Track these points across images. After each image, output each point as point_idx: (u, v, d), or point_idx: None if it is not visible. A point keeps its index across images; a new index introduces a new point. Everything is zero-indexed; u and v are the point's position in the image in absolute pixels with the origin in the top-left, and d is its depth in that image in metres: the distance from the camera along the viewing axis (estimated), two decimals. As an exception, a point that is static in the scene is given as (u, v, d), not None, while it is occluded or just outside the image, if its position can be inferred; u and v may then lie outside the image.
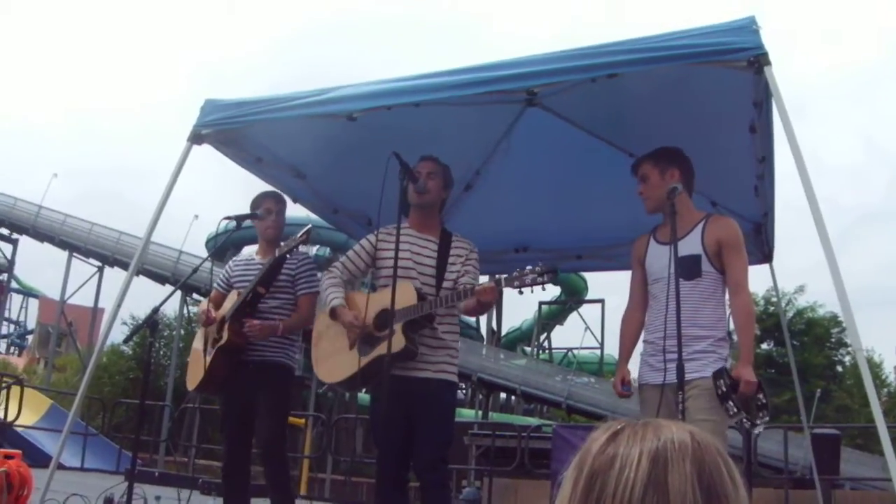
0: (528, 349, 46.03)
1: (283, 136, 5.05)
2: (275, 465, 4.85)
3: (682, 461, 0.96)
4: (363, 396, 35.28)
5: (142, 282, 35.95)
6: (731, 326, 4.25)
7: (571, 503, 1.00)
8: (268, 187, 5.31)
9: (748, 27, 3.76)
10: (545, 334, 47.46)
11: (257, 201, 5.06)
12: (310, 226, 4.76)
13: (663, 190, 4.10)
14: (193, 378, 4.98)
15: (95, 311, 40.60)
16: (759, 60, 3.69)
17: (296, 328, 4.98)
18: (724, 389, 3.86)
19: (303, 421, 17.62)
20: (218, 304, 5.15)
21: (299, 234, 4.67)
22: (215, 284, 5.27)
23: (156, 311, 4.92)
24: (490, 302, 4.24)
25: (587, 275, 41.70)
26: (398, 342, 4.14)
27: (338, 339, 4.45)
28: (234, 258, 5.28)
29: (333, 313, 4.46)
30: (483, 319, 41.09)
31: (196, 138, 4.82)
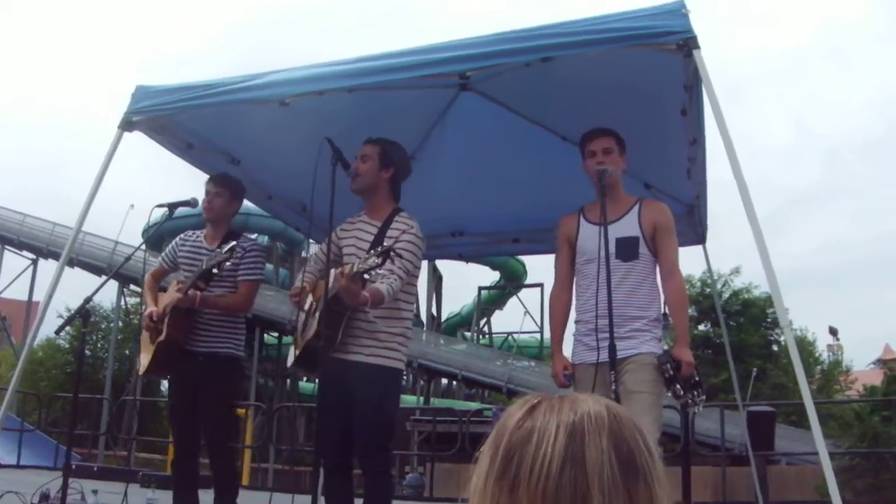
0: (468, 334, 46.23)
1: (216, 122, 4.99)
2: (222, 460, 4.84)
3: (599, 435, 0.97)
4: (304, 385, 35.28)
5: (77, 273, 35.34)
6: (665, 310, 4.31)
7: (489, 479, 1.00)
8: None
9: (677, 11, 3.80)
10: (485, 319, 47.69)
11: (205, 185, 5.02)
12: (233, 244, 4.67)
13: (620, 169, 4.17)
14: (141, 362, 4.97)
15: (30, 305, 39.71)
16: (688, 44, 3.74)
17: (229, 310, 4.92)
18: (672, 373, 3.93)
19: (244, 411, 17.50)
20: (159, 278, 5.17)
21: (225, 250, 4.58)
22: (160, 258, 5.23)
23: (88, 300, 4.83)
24: (344, 293, 4.01)
25: (526, 259, 42.03)
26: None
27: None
28: (183, 235, 5.19)
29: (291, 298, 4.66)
30: (423, 305, 41.17)
31: (127, 125, 4.72)
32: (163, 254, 5.22)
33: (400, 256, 4.14)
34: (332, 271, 4.28)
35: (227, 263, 4.63)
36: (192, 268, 4.91)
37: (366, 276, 4.01)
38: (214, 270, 4.65)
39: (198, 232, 5.14)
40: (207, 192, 4.97)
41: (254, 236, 5.00)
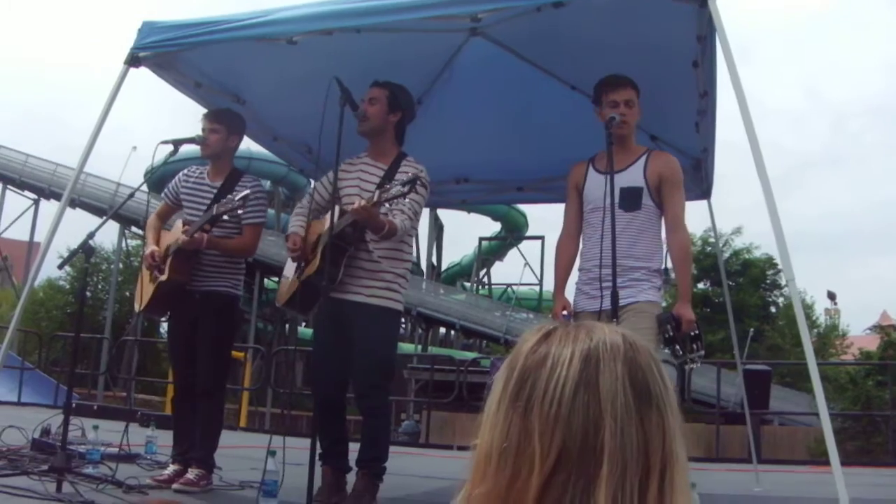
0: (467, 284, 46.32)
1: (223, 60, 4.94)
2: (210, 399, 4.83)
3: (614, 361, 0.96)
4: (304, 330, 35.45)
5: (79, 215, 35.28)
6: (667, 264, 4.30)
7: (501, 403, 1.00)
8: None
9: (693, -40, 3.75)
10: (485, 270, 47.75)
11: (200, 122, 4.97)
12: (247, 192, 4.65)
13: (635, 120, 4.16)
14: (139, 299, 4.94)
15: (31, 245, 39.72)
16: (703, -7, 3.69)
17: (233, 252, 4.91)
18: (671, 333, 3.94)
19: (242, 354, 17.59)
20: (164, 217, 5.15)
21: (238, 198, 4.56)
22: (163, 195, 5.18)
23: (91, 235, 4.79)
24: (363, 220, 4.09)
25: (528, 211, 42.11)
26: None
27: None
28: (186, 171, 5.13)
29: (286, 240, 4.61)
30: (423, 254, 41.25)
31: (133, 61, 4.66)
32: (165, 190, 5.16)
33: (415, 193, 4.13)
34: (336, 209, 4.28)
35: (224, 211, 4.63)
36: (194, 204, 4.89)
37: (384, 206, 4.05)
38: (225, 217, 4.64)
39: (200, 168, 5.09)
40: (203, 130, 4.92)
41: (261, 181, 4.93)
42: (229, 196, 4.67)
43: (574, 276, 4.39)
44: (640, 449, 0.94)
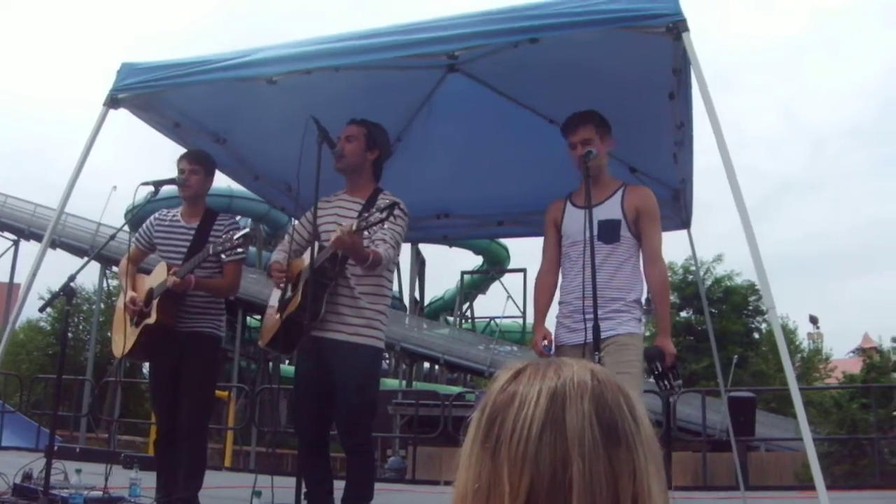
0: (450, 318, 46.28)
1: (202, 100, 4.95)
2: (193, 441, 4.79)
3: (581, 399, 0.97)
4: (286, 368, 35.27)
5: (60, 255, 35.08)
6: (647, 294, 4.32)
7: (474, 444, 1.00)
8: None
9: (667, -7, 3.79)
10: (468, 303, 47.77)
11: (177, 162, 4.96)
12: (248, 230, 4.70)
13: (604, 156, 4.14)
14: (120, 344, 4.88)
15: (11, 287, 39.35)
16: (677, 27, 3.73)
17: (218, 292, 4.93)
18: (661, 369, 3.96)
19: (226, 393, 17.47)
20: (136, 261, 5.09)
21: (237, 237, 4.59)
22: (134, 239, 5.15)
23: (72, 278, 4.79)
24: (347, 250, 4.06)
25: (509, 245, 42.23)
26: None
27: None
28: (157, 214, 5.12)
29: (267, 270, 4.65)
30: (406, 289, 41.23)
31: (112, 102, 4.67)
32: (137, 235, 5.14)
33: (394, 221, 4.14)
34: (316, 243, 4.28)
35: (213, 231, 4.65)
36: (170, 247, 4.89)
37: (365, 234, 4.06)
38: (223, 257, 4.65)
39: (173, 210, 5.09)
40: (182, 171, 4.90)
41: (237, 218, 4.93)
42: (225, 235, 4.70)
43: (554, 309, 4.40)
44: (609, 486, 0.94)
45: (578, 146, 4.20)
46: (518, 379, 1.02)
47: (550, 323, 4.39)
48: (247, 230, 4.66)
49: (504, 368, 1.07)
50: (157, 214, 5.13)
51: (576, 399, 0.97)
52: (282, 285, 4.49)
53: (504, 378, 1.04)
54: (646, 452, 0.98)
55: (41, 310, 6.32)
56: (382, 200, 4.35)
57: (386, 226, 4.12)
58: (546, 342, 4.31)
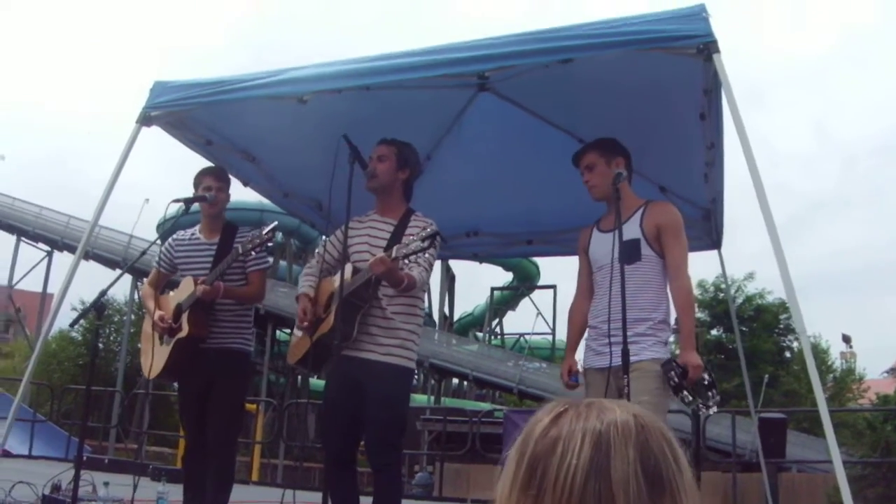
0: (480, 335, 46.24)
1: (234, 118, 4.98)
2: (221, 457, 4.80)
3: (625, 446, 0.95)
4: (316, 382, 35.41)
5: (92, 267, 35.50)
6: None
7: (514, 488, 0.98)
8: None
9: (698, 14, 3.79)
10: (497, 320, 47.71)
11: (197, 179, 4.98)
12: (275, 223, 4.73)
13: (609, 178, 4.13)
14: (151, 365, 4.88)
15: (44, 297, 39.85)
16: (708, 48, 3.71)
17: (245, 299, 4.95)
18: (677, 381, 3.90)
19: (255, 407, 17.53)
20: (159, 285, 5.12)
21: (265, 232, 4.62)
22: (155, 263, 5.19)
23: (103, 294, 4.83)
24: (383, 275, 4.08)
25: (539, 261, 42.08)
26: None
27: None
28: (175, 236, 5.15)
29: (296, 299, 4.58)
30: (435, 305, 41.24)
31: (145, 120, 4.73)
32: (157, 259, 5.17)
33: (434, 247, 4.15)
34: (347, 267, 4.30)
35: (236, 241, 4.67)
36: (195, 265, 4.92)
37: (404, 262, 4.07)
38: (253, 253, 4.67)
39: (190, 230, 5.12)
40: (209, 188, 4.93)
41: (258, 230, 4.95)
42: (253, 232, 4.74)
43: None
44: None
45: (584, 172, 4.30)
46: (559, 422, 1.00)
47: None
48: (275, 223, 4.68)
49: (544, 409, 1.05)
50: (175, 236, 5.16)
51: (620, 446, 0.95)
52: (305, 325, 4.49)
53: (545, 421, 1.02)
54: (688, 499, 0.96)
55: (72, 325, 6.43)
56: (416, 224, 4.36)
57: (426, 253, 4.14)
58: (572, 373, 4.31)
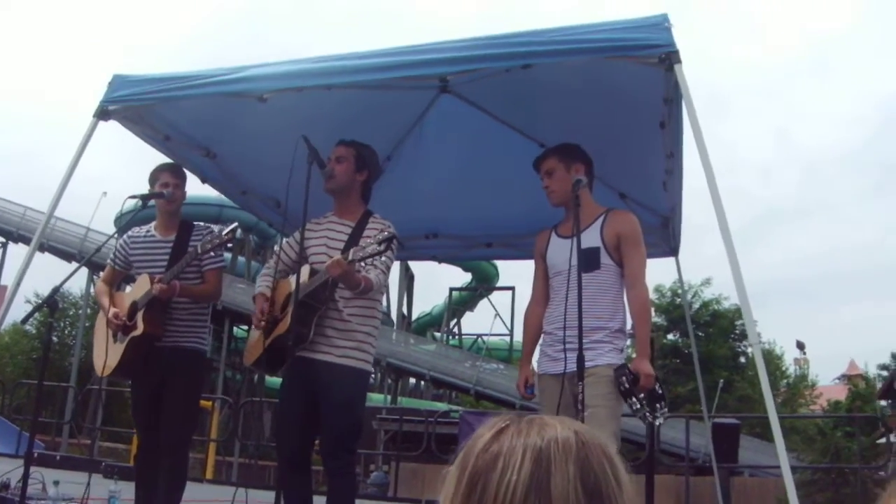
0: (438, 335, 46.21)
1: (193, 114, 4.94)
2: (174, 457, 4.75)
3: (566, 462, 0.95)
4: (272, 380, 35.29)
5: (48, 259, 34.98)
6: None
7: (454, 502, 0.98)
8: None
9: (661, 24, 3.81)
10: (455, 320, 47.70)
11: (154, 175, 4.92)
12: (236, 224, 4.71)
13: (569, 184, 4.13)
14: (103, 364, 4.82)
15: (-3, 289, 39.32)
16: (669, 58, 3.74)
17: (202, 298, 4.90)
18: (627, 386, 3.92)
19: (210, 404, 17.39)
20: (113, 283, 5.06)
21: (225, 232, 4.58)
22: (109, 261, 5.12)
23: (56, 290, 4.76)
24: (339, 278, 4.08)
25: (499, 262, 42.18)
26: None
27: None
28: (130, 233, 5.08)
29: (253, 300, 4.57)
30: (394, 304, 41.17)
31: (102, 114, 4.66)
32: (111, 257, 5.10)
33: (390, 250, 4.13)
34: (304, 268, 4.27)
35: (191, 241, 4.66)
36: (150, 263, 4.86)
37: (361, 264, 4.05)
38: (212, 254, 4.63)
39: (145, 227, 5.05)
40: (166, 184, 4.87)
41: (213, 227, 4.90)
42: (212, 232, 4.69)
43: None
44: None
45: (543, 177, 4.33)
46: (500, 438, 1.00)
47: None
48: (235, 224, 4.65)
49: (485, 425, 1.04)
50: (129, 233, 5.09)
51: (561, 462, 0.95)
52: (262, 325, 4.46)
53: (486, 437, 1.01)
54: None
55: (24, 321, 6.30)
56: (374, 226, 4.35)
57: (382, 256, 4.13)
58: (529, 384, 4.32)
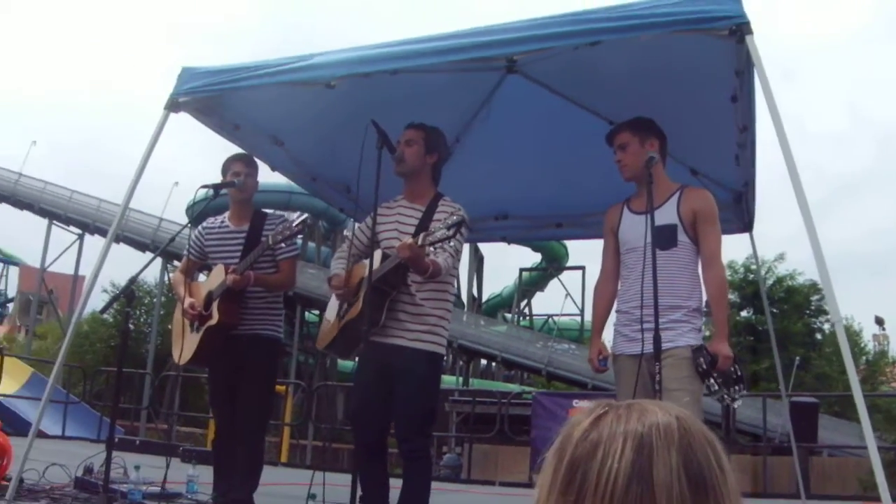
0: (508, 316, 46.12)
1: (261, 103, 4.98)
2: (250, 445, 4.82)
3: (668, 450, 0.92)
4: (344, 364, 35.65)
5: (122, 249, 35.83)
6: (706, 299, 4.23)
7: (552, 492, 0.96)
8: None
9: (730, -5, 3.72)
10: (526, 301, 47.57)
11: (226, 165, 4.99)
12: (306, 215, 4.78)
13: (642, 158, 4.07)
14: (181, 352, 4.91)
15: (76, 279, 40.26)
16: (740, 29, 3.66)
17: (276, 287, 4.95)
18: (705, 367, 3.86)
19: (284, 389, 17.64)
20: (190, 273, 5.12)
21: (295, 224, 4.63)
22: (186, 252, 5.19)
23: (133, 280, 4.86)
24: (409, 261, 4.04)
25: (568, 241, 41.97)
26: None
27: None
28: (205, 224, 5.16)
29: (328, 281, 4.59)
30: (464, 286, 41.22)
31: (173, 106, 4.77)
32: (188, 248, 5.16)
33: (460, 234, 4.12)
34: (376, 253, 4.28)
35: (264, 230, 4.69)
36: (225, 254, 4.92)
37: (431, 249, 4.04)
38: (282, 245, 4.67)
39: (219, 218, 5.13)
40: (238, 174, 4.94)
41: (287, 214, 4.97)
42: (283, 223, 4.75)
43: (612, 317, 4.35)
44: None
45: (617, 151, 4.24)
46: (599, 425, 0.97)
47: (608, 331, 4.35)
48: (305, 216, 4.69)
49: (583, 411, 1.02)
50: (204, 224, 5.17)
51: (662, 450, 0.92)
52: (340, 296, 4.50)
53: (585, 424, 0.99)
54: (732, 502, 0.94)
55: (102, 311, 6.45)
56: (444, 209, 4.34)
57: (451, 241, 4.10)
58: (602, 357, 4.27)
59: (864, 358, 35.61)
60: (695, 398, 3.88)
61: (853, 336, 34.67)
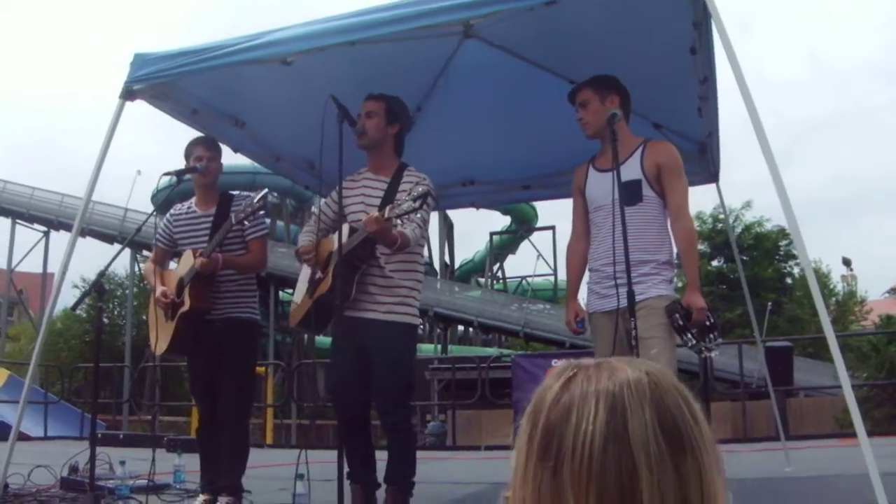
0: (482, 280, 46.24)
1: (218, 85, 4.92)
2: (233, 431, 4.80)
3: (641, 406, 0.92)
4: (322, 340, 35.61)
5: (90, 243, 35.47)
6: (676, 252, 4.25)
7: (530, 458, 0.95)
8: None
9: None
10: (498, 264, 47.69)
11: (188, 150, 4.93)
12: (265, 190, 4.70)
13: (603, 115, 4.06)
14: (157, 342, 4.87)
15: (45, 277, 39.81)
16: (696, -20, 3.65)
17: (247, 268, 4.92)
18: (681, 322, 3.89)
19: (263, 370, 17.60)
20: (161, 262, 5.09)
21: (256, 199, 4.59)
22: (155, 241, 5.15)
23: (102, 274, 4.84)
24: (376, 234, 4.03)
25: (537, 203, 42.03)
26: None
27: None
28: (172, 211, 5.12)
29: (296, 253, 4.63)
30: (436, 253, 41.26)
31: (128, 94, 4.69)
32: (156, 237, 5.13)
33: (426, 205, 4.10)
34: (344, 226, 4.26)
35: (232, 210, 4.65)
36: (194, 239, 4.88)
37: (398, 220, 4.01)
38: (246, 222, 4.63)
39: (186, 203, 5.08)
40: (200, 158, 4.87)
41: (251, 194, 4.91)
42: (245, 203, 4.68)
43: (585, 276, 4.36)
44: (678, 494, 0.90)
45: (579, 109, 4.24)
46: (570, 387, 0.96)
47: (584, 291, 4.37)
48: (264, 191, 4.65)
49: (552, 374, 1.01)
50: (171, 211, 5.13)
51: (636, 407, 0.92)
52: (310, 262, 4.49)
53: (555, 387, 0.98)
54: (709, 453, 0.94)
55: (73, 308, 6.40)
56: (409, 180, 4.33)
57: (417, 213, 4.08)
58: (579, 318, 4.28)
59: (833, 299, 36.07)
60: (668, 344, 3.92)
61: (822, 278, 35.05)
